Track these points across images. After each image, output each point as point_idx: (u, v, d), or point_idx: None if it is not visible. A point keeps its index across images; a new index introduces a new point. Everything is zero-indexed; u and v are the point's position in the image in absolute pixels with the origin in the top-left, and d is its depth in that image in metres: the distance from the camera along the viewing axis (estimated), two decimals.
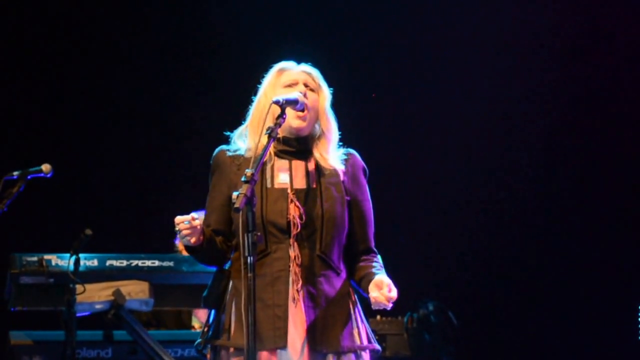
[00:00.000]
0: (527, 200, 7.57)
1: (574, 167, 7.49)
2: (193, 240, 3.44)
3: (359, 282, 3.60)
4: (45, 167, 4.62)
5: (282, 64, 3.70)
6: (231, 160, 3.62)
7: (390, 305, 3.43)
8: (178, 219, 3.41)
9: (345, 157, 3.67)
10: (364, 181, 3.68)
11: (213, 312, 3.59)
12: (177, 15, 7.34)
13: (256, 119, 3.63)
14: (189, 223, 3.40)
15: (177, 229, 3.42)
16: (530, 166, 7.56)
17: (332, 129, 3.66)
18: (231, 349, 3.47)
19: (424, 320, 7.01)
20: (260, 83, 3.70)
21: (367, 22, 7.44)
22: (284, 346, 3.43)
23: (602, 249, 7.37)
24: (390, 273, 3.57)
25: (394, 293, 3.42)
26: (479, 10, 7.40)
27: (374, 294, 3.43)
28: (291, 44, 6.56)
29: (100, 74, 7.19)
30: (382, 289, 3.41)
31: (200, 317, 5.84)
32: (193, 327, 5.80)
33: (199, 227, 3.43)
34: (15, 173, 4.57)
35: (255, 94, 3.70)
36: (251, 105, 3.68)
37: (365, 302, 3.61)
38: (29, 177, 4.59)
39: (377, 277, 3.48)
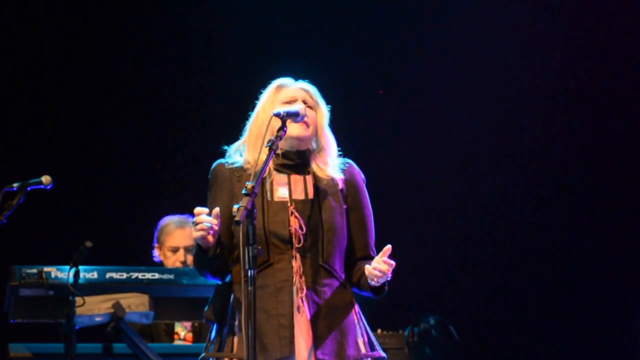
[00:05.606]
0: (530, 214, 7.54)
1: (579, 178, 7.45)
2: (211, 239, 3.41)
3: (359, 281, 3.59)
4: (45, 179, 4.61)
5: (280, 81, 3.71)
6: (231, 173, 3.62)
7: (390, 269, 3.41)
8: (198, 209, 3.38)
9: (343, 166, 3.68)
10: (363, 189, 3.69)
11: (215, 325, 3.57)
12: (175, 29, 7.34)
13: (254, 134, 3.63)
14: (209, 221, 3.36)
15: (194, 220, 3.38)
16: (534, 177, 7.53)
17: (330, 145, 3.69)
18: None
19: (425, 334, 6.98)
20: (257, 99, 3.71)
21: (366, 30, 7.43)
22: (289, 355, 3.42)
23: (609, 262, 7.33)
24: (391, 286, 3.56)
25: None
26: (483, 23, 7.39)
27: (367, 271, 3.44)
28: (288, 59, 6.57)
29: (103, 86, 7.19)
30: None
31: None
32: None
33: (216, 226, 3.39)
34: (15, 185, 4.57)
35: (252, 109, 3.70)
36: (248, 121, 3.69)
37: (367, 312, 3.61)
38: (28, 188, 4.58)
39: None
